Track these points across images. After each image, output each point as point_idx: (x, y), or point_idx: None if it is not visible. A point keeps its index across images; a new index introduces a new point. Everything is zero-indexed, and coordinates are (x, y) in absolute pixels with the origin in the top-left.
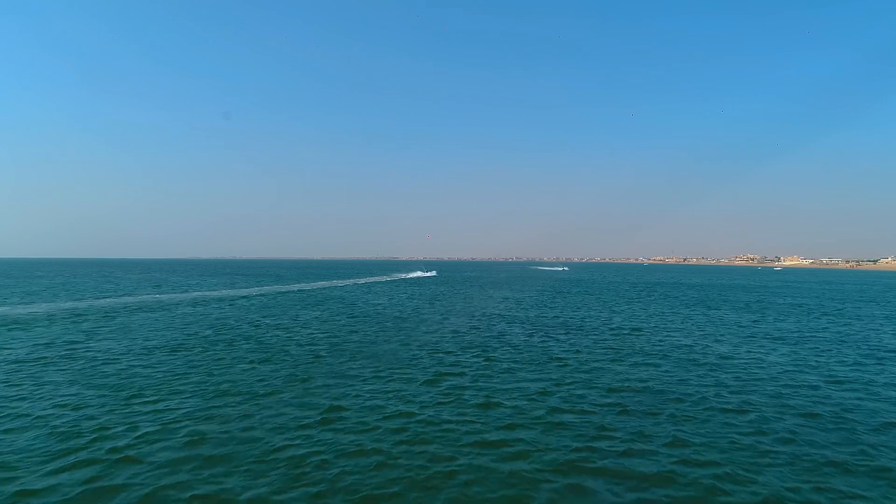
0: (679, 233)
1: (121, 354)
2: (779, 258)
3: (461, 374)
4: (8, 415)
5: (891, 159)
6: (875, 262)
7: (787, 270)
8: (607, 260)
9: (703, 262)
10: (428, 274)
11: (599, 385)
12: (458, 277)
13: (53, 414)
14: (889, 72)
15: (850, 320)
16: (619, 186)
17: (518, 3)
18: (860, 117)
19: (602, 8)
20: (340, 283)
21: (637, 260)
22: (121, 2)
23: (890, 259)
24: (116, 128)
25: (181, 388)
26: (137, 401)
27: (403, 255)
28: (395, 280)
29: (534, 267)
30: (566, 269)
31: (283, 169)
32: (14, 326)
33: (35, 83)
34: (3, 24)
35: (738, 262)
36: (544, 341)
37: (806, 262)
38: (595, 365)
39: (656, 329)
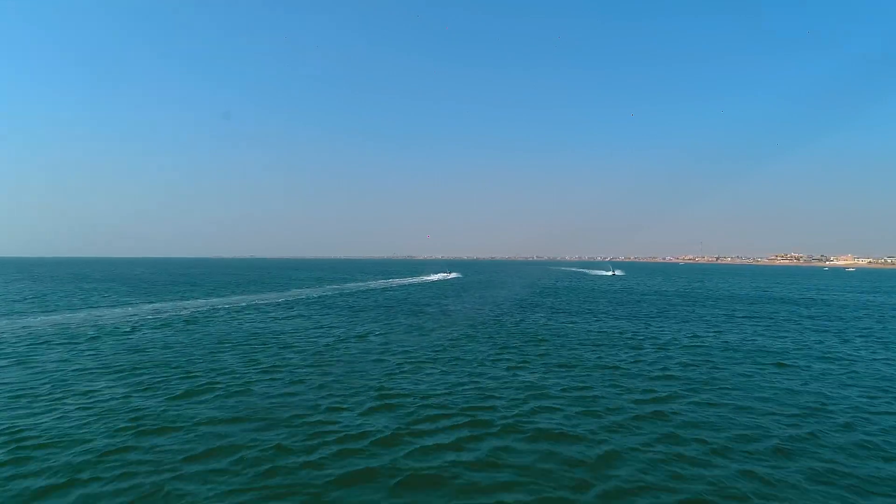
0: (682, 232)
1: None
2: (827, 257)
3: None
4: None
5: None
6: None
7: (863, 272)
8: (631, 259)
9: (737, 261)
10: (450, 276)
11: None
12: (472, 282)
13: None
14: (889, 72)
15: None
16: (620, 186)
17: (518, 3)
18: (860, 117)
19: (602, 8)
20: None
21: (664, 259)
22: (122, 3)
23: None
24: (115, 128)
25: None
26: None
27: (420, 255)
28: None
29: (558, 268)
30: (619, 272)
31: (283, 168)
32: None
33: (34, 82)
34: (3, 23)
35: (780, 262)
36: None
37: (863, 262)
38: None
39: None
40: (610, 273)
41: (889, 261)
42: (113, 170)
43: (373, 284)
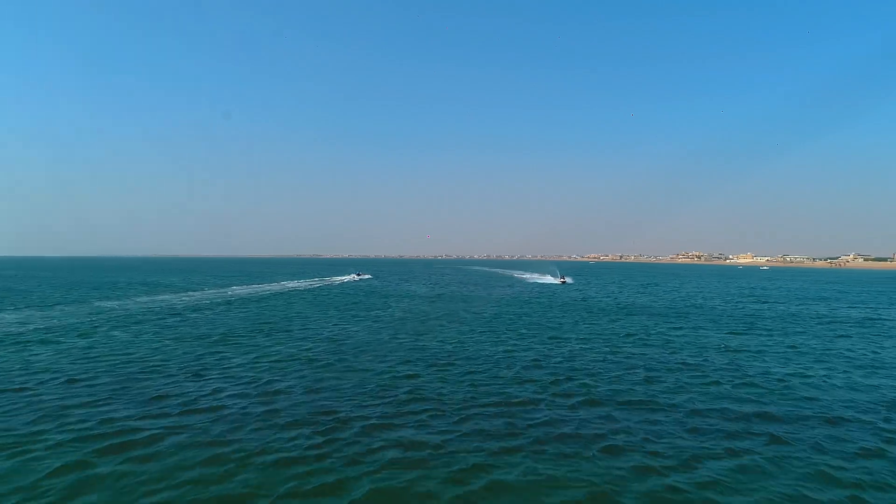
0: (675, 232)
1: None
2: (726, 255)
3: None
4: None
5: (890, 159)
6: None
7: (776, 271)
8: (539, 258)
9: (640, 259)
10: (360, 277)
11: None
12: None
13: None
14: (889, 72)
15: None
16: (619, 186)
17: (518, 3)
18: (860, 117)
19: (602, 8)
20: None
21: (570, 258)
22: (123, 3)
23: (853, 256)
24: (115, 127)
25: None
26: None
27: (328, 254)
28: None
29: (470, 267)
30: (569, 279)
31: (284, 168)
32: None
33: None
34: (5, 23)
35: (681, 261)
36: None
37: (762, 261)
38: None
39: None
40: (559, 280)
41: (788, 259)
42: (112, 169)
43: (186, 298)
